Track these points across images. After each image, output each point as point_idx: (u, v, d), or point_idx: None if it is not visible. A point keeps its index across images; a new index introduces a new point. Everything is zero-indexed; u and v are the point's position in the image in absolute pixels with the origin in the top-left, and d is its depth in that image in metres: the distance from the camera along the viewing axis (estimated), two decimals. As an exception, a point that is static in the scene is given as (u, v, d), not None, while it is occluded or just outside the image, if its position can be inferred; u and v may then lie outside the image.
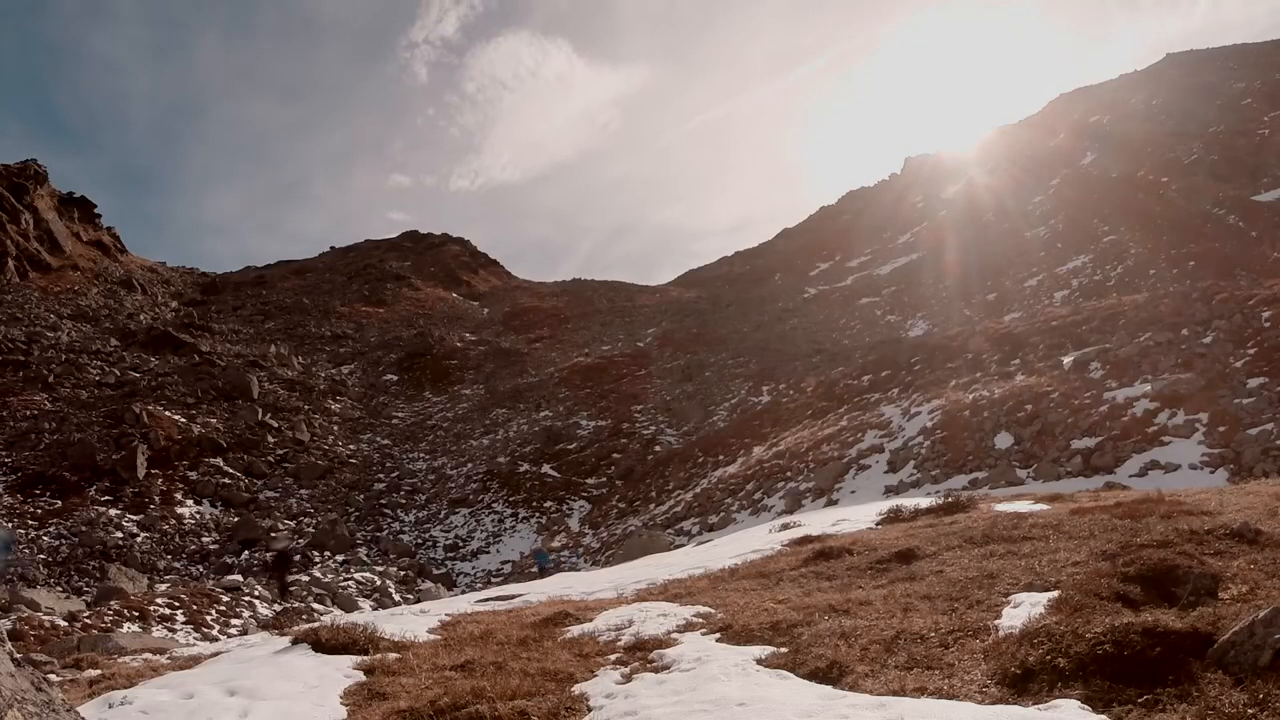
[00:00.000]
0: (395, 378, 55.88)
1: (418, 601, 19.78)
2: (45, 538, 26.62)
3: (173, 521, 29.74)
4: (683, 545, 19.13)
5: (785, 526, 12.11)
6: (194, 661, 6.57)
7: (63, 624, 13.79)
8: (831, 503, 20.71)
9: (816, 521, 12.19)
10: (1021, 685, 3.65)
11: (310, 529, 30.83)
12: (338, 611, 17.79)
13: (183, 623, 14.86)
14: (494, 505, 35.56)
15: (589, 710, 4.21)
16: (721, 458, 32.13)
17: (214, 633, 14.64)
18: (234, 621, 15.64)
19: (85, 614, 14.70)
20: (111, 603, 15.97)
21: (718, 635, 5.48)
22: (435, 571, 28.95)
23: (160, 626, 14.47)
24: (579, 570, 22.21)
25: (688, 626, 5.89)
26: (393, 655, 6.02)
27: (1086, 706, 3.28)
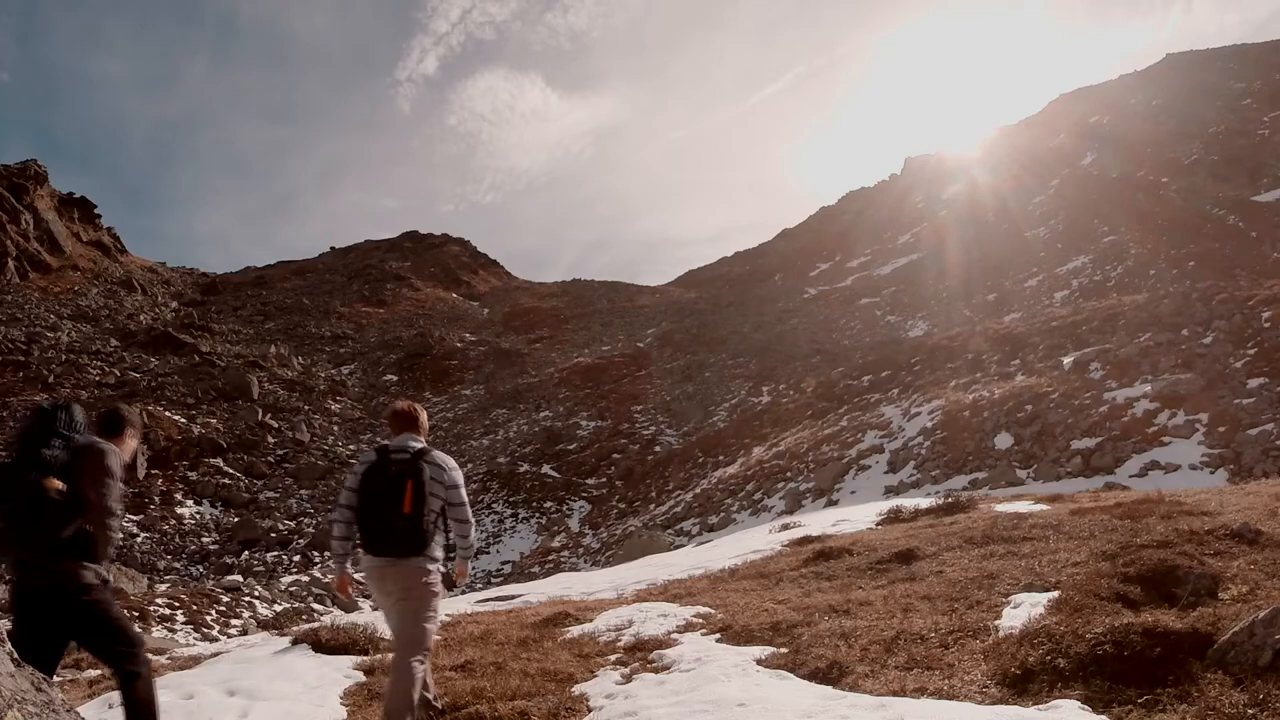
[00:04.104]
0: (395, 378, 55.88)
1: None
2: (45, 538, 26.62)
3: (173, 522, 29.74)
4: (683, 545, 19.13)
5: (785, 527, 12.11)
6: (194, 662, 6.57)
7: (63, 624, 13.78)
8: (831, 503, 20.70)
9: (816, 522, 12.19)
10: (1021, 685, 3.65)
11: (310, 529, 30.83)
12: (338, 612, 17.79)
13: (182, 623, 14.85)
14: (494, 506, 35.55)
15: (589, 710, 4.22)
16: (721, 458, 32.12)
17: (214, 633, 14.64)
18: (234, 622, 15.64)
19: (85, 614, 14.69)
20: (111, 603, 15.96)
21: (718, 636, 5.48)
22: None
23: (160, 627, 14.46)
24: (577, 570, 22.21)
25: (688, 627, 5.89)
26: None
27: (1086, 707, 3.28)
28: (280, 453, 38.63)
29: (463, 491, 4.16)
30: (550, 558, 28.20)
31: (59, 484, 3.14)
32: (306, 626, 7.77)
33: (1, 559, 3.25)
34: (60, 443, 3.28)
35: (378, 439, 44.56)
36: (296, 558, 27.83)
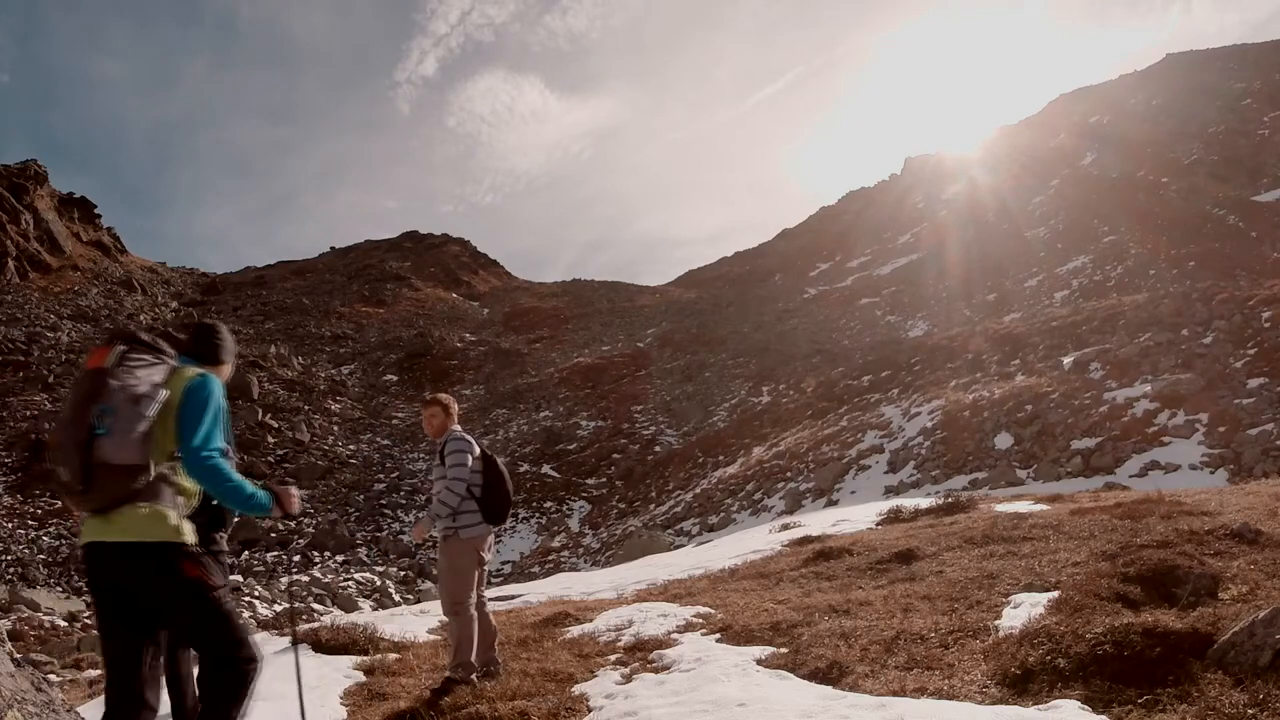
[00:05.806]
0: (395, 378, 55.87)
1: (418, 602, 19.78)
2: (45, 538, 26.62)
3: (173, 522, 29.73)
4: (683, 545, 19.14)
5: (785, 527, 12.11)
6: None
7: (63, 624, 13.80)
8: (831, 503, 20.70)
9: (816, 522, 12.19)
10: (1021, 685, 3.64)
11: (310, 529, 30.84)
12: (338, 611, 17.79)
13: (183, 623, 14.83)
14: (494, 505, 35.54)
15: (589, 710, 4.21)
16: (721, 458, 32.13)
17: (214, 633, 14.61)
18: (234, 622, 15.62)
19: (85, 614, 14.70)
20: (111, 603, 15.93)
21: (718, 635, 5.47)
22: (435, 572, 28.93)
23: (160, 627, 14.44)
24: (577, 570, 22.20)
25: (688, 627, 5.89)
26: (393, 656, 6.02)
27: (1086, 707, 3.28)
28: (280, 453, 38.63)
29: None
30: (550, 558, 28.20)
31: None
32: (306, 627, 7.76)
33: None
34: None
35: (377, 439, 44.57)
36: (296, 558, 27.84)
